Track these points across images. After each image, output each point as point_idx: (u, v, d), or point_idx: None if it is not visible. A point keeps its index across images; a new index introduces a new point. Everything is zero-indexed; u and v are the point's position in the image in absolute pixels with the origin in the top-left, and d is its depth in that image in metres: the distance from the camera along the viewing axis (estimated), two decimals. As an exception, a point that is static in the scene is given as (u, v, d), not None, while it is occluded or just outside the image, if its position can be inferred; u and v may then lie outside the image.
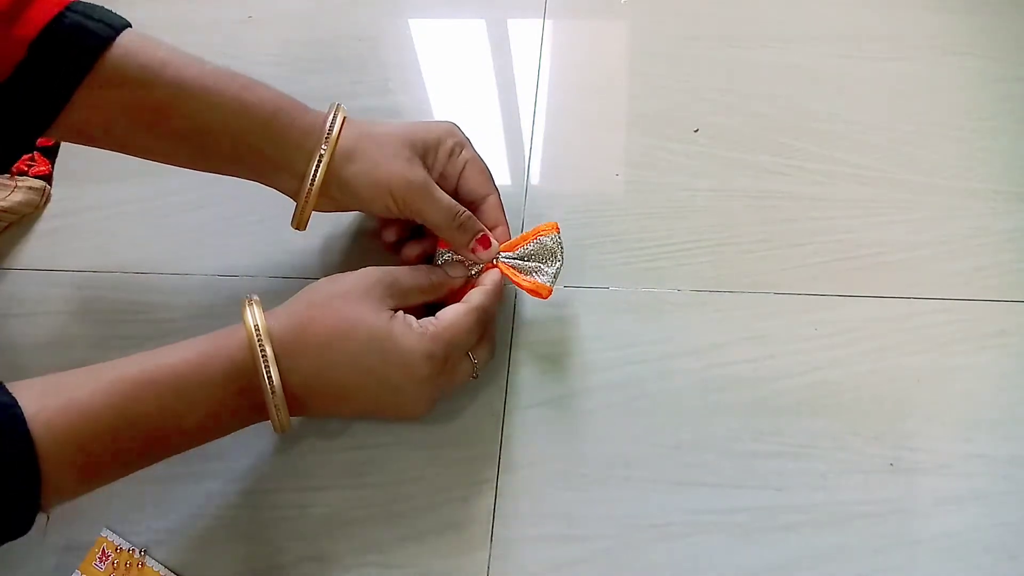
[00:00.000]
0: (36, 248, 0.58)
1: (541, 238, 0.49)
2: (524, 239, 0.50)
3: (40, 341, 0.54)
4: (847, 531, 0.46)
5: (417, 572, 0.47)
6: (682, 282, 0.52)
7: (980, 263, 0.52)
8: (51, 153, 0.60)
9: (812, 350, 0.50)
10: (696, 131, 0.57)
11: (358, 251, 0.56)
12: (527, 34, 0.61)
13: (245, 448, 0.50)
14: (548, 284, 0.49)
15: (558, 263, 0.49)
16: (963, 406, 0.48)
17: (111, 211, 0.58)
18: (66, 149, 0.61)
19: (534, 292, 0.49)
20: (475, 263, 0.50)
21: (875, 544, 0.45)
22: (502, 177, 0.57)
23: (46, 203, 0.59)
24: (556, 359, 0.51)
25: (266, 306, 0.43)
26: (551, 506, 0.47)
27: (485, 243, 0.49)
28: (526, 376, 0.51)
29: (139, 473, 0.50)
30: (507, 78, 0.60)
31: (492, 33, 0.62)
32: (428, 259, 0.51)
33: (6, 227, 0.57)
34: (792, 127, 0.56)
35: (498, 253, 0.50)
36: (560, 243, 0.49)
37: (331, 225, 0.56)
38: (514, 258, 0.50)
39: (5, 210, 0.56)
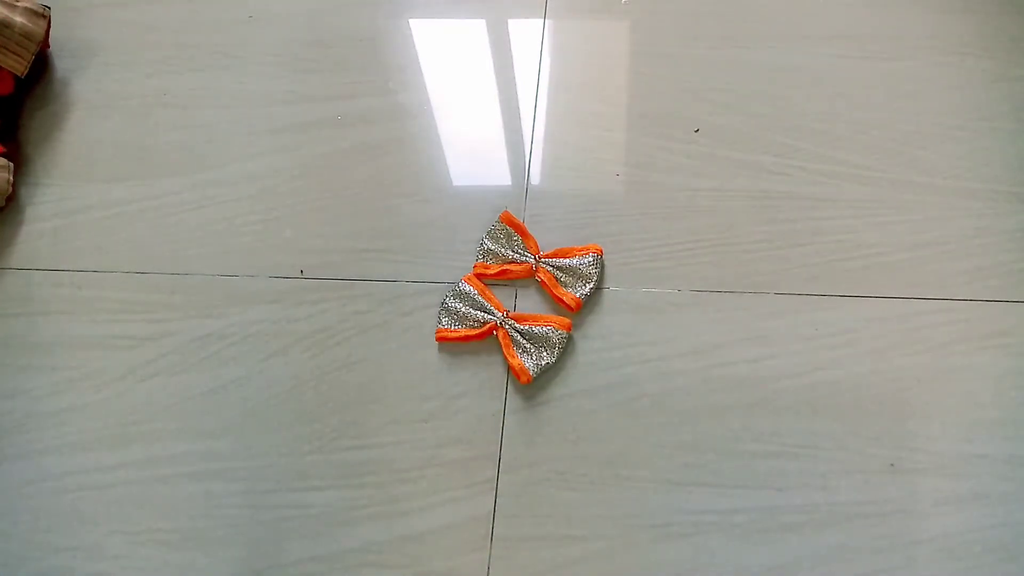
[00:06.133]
0: (36, 248, 0.58)
1: (581, 257, 0.52)
2: (567, 253, 0.52)
3: (40, 341, 0.54)
4: (847, 531, 0.46)
5: (417, 572, 0.47)
6: (682, 282, 0.52)
7: (980, 263, 0.52)
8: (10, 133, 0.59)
9: (812, 350, 0.50)
10: (696, 131, 0.57)
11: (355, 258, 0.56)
12: (527, 34, 0.61)
13: (245, 448, 0.50)
14: (579, 297, 0.51)
15: (591, 284, 0.51)
16: (963, 406, 0.48)
17: (111, 211, 0.58)
18: (66, 149, 0.61)
19: (564, 303, 0.51)
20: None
21: (875, 544, 0.45)
22: (502, 177, 0.57)
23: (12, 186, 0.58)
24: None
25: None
26: (551, 506, 0.47)
27: None
28: (526, 376, 0.51)
29: (140, 473, 0.50)
30: (507, 78, 0.60)
31: (492, 33, 0.62)
32: None
33: None
34: (792, 127, 0.56)
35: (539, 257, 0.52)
36: (599, 266, 0.52)
37: (331, 226, 0.56)
38: (552, 267, 0.52)
39: None
